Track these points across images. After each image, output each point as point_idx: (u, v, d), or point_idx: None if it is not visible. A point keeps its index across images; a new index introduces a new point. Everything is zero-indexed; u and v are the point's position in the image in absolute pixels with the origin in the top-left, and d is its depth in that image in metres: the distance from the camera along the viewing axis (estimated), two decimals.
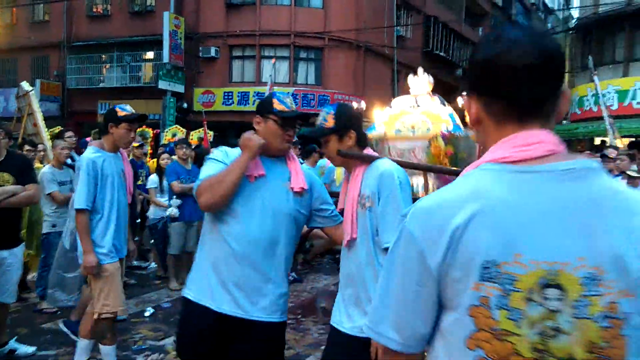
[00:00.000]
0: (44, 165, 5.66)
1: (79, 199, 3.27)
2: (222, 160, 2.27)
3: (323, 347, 3.29)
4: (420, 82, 4.60)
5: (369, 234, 2.16)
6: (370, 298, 2.08)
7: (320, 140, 2.38)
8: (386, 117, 4.58)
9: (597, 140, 17.78)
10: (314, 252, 2.71)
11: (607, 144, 10.91)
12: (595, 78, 10.04)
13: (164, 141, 13.48)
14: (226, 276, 2.19)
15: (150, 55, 20.37)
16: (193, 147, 8.65)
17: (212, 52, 18.69)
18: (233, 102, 18.44)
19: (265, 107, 2.32)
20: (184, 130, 14.21)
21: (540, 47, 0.97)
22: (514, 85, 0.97)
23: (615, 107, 17.14)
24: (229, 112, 18.25)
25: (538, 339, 0.90)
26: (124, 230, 3.56)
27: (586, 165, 0.94)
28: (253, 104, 18.22)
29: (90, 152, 3.40)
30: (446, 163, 3.94)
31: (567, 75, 18.27)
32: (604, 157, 6.91)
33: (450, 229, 0.93)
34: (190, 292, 2.29)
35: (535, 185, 0.94)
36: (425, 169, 3.53)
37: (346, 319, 2.23)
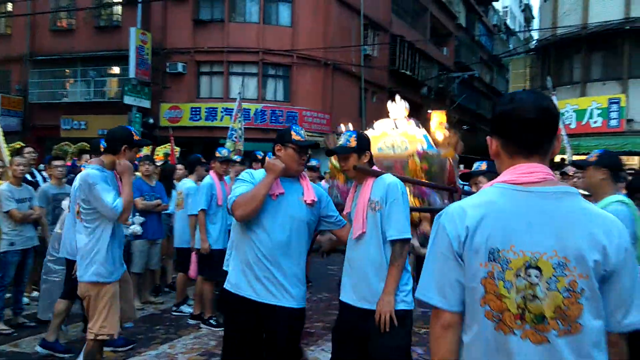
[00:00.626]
0: (2, 183, 5.50)
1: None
2: (250, 180, 2.88)
3: None
4: (398, 107, 5.41)
5: (379, 230, 2.83)
6: (369, 285, 2.81)
7: (341, 155, 3.02)
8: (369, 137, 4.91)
9: (557, 158, 18.40)
10: (322, 250, 3.45)
11: (566, 162, 11.29)
12: (554, 98, 10.41)
13: None
14: (258, 273, 2.79)
15: (115, 70, 20.13)
16: (160, 163, 8.58)
17: (180, 68, 18.59)
18: (201, 118, 18.34)
19: (285, 137, 2.91)
20: (150, 146, 14.04)
21: (540, 107, 1.44)
22: (522, 132, 1.46)
23: (573, 125, 17.78)
24: (196, 128, 18.15)
25: (521, 301, 1.40)
26: (121, 249, 3.66)
27: (565, 190, 1.45)
28: (221, 119, 18.14)
29: (97, 170, 3.47)
30: (422, 177, 4.56)
31: None
32: (564, 175, 7.17)
33: (470, 225, 1.45)
34: (231, 286, 2.90)
35: (527, 200, 1.43)
36: (418, 184, 4.32)
37: (356, 295, 2.86)
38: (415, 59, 24.90)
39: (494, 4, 40.33)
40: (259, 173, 2.94)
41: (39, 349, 4.56)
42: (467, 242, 1.45)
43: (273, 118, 18.39)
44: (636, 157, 17.31)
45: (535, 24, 37.33)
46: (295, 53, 18.69)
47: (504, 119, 1.49)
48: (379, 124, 5.40)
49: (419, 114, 27.34)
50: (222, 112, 18.21)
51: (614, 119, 17.20)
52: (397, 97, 5.63)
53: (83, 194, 3.39)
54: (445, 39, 30.53)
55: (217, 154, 5.58)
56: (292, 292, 2.82)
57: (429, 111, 28.32)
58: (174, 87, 18.87)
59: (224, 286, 2.96)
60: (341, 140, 3.07)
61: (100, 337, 3.39)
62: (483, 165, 4.15)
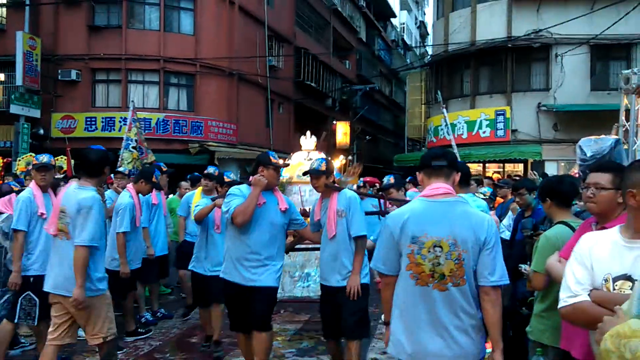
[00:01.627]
0: None
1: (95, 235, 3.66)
2: (241, 194, 3.97)
3: None
4: (309, 141, 6.92)
5: (345, 231, 4.01)
6: (344, 268, 4.00)
7: (314, 175, 4.17)
8: (289, 166, 6.56)
9: None
10: (287, 248, 4.54)
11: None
12: (444, 111, 11.08)
13: (16, 170, 12.28)
14: (246, 264, 3.96)
15: (0, 77, 18.53)
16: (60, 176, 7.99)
17: (73, 75, 17.49)
18: (97, 128, 17.37)
19: (266, 160, 4.08)
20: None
21: (442, 152, 2.70)
22: (430, 166, 2.61)
23: (465, 136, 19.04)
24: (92, 139, 17.08)
25: (431, 266, 2.44)
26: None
27: (458, 200, 2.54)
28: (119, 129, 17.30)
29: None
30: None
31: (423, 107, 19.94)
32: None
33: (401, 223, 2.49)
34: (226, 275, 4.06)
35: (434, 206, 2.50)
36: (361, 194, 5.35)
37: (333, 278, 4.05)
38: (319, 71, 25.43)
39: (392, 20, 42.30)
40: (245, 188, 4.05)
41: None
42: (400, 233, 2.51)
43: (176, 128, 17.86)
44: (521, 164, 18.90)
45: (430, 40, 39.64)
46: (198, 62, 18.33)
47: (422, 163, 2.67)
48: (296, 156, 6.81)
49: (324, 125, 27.95)
50: (120, 121, 17.35)
51: (500, 129, 18.65)
52: (308, 132, 7.00)
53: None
54: (347, 52, 31.51)
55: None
56: (270, 274, 3.98)
57: (334, 122, 28.97)
58: (67, 96, 17.73)
59: (220, 275, 4.14)
60: (314, 165, 4.22)
61: (110, 338, 3.71)
62: (392, 179, 5.61)
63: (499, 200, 6.82)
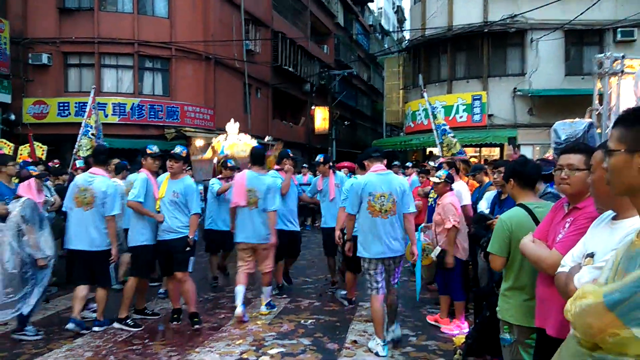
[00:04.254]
0: None
1: None
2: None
3: None
4: (233, 126, 10.07)
5: (339, 197, 6.48)
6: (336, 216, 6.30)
7: (320, 164, 7.24)
8: (227, 145, 9.55)
9: (428, 150, 19.74)
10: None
11: (435, 154, 12.10)
12: (425, 94, 11.09)
13: None
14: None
15: None
16: (26, 163, 7.82)
17: (44, 59, 17.01)
18: (70, 113, 16.97)
19: (288, 155, 7.09)
20: (12, 145, 12.74)
21: (377, 147, 5.91)
22: (373, 155, 5.15)
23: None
24: (65, 124, 16.70)
25: (379, 206, 4.85)
26: None
27: (389, 172, 5.08)
28: None
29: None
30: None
31: (401, 92, 19.98)
32: (423, 168, 8.39)
33: (362, 186, 4.90)
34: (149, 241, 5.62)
35: (379, 176, 4.94)
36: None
37: (331, 222, 6.67)
38: (297, 56, 25.22)
39: (370, 5, 42.08)
40: (275, 173, 6.62)
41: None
42: (362, 191, 4.87)
43: (152, 113, 17.57)
44: (497, 149, 19.14)
45: (407, 25, 39.62)
46: (174, 45, 18.00)
47: (369, 152, 5.20)
48: (230, 138, 9.74)
49: (302, 110, 27.82)
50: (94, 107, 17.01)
51: (477, 114, 18.83)
52: (232, 120, 10.13)
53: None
54: (325, 37, 31.30)
55: (149, 150, 5.69)
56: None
57: (312, 107, 28.87)
58: (38, 80, 17.26)
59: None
60: (318, 158, 7.33)
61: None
62: (322, 159, 7.30)
63: (474, 184, 6.84)
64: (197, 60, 18.61)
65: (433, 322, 5.65)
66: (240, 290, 5.75)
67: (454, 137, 10.12)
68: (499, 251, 2.95)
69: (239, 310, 5.66)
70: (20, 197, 5.14)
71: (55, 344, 5.00)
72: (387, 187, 4.81)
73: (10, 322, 5.51)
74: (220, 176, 7.85)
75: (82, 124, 10.11)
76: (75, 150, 9.82)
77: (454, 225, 5.28)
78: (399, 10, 52.42)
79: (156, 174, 5.79)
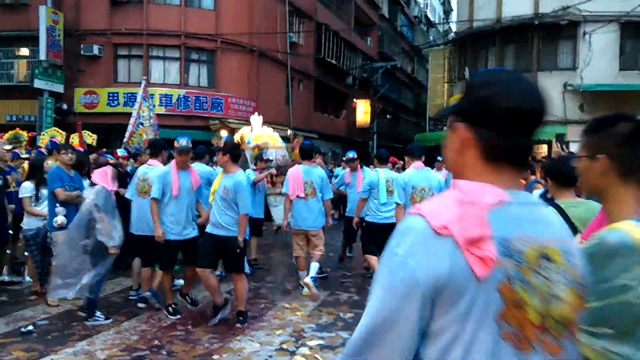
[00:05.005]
0: None
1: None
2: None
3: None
4: (258, 119, 10.23)
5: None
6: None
7: (350, 161, 8.29)
8: (252, 137, 9.70)
9: None
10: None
11: None
12: None
13: (40, 144, 12.48)
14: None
15: (24, 52, 18.72)
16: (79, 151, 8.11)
17: (95, 51, 17.58)
18: (119, 104, 17.49)
19: (319, 150, 8.17)
20: (64, 133, 13.23)
21: (419, 146, 6.57)
22: (414, 153, 6.07)
23: None
24: (114, 114, 17.24)
25: (420, 199, 5.62)
26: None
27: (427, 168, 6.10)
28: None
29: None
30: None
31: (446, 85, 19.60)
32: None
33: (406, 180, 5.81)
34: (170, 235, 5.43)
35: (418, 173, 5.83)
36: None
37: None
38: (340, 48, 25.14)
39: None
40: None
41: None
42: (406, 184, 5.71)
43: (197, 104, 17.91)
44: (544, 145, 18.56)
45: (454, 16, 38.78)
46: (219, 38, 18.26)
47: (410, 150, 6.15)
48: (255, 130, 9.96)
49: (344, 103, 27.73)
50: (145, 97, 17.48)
51: None
52: (256, 113, 10.55)
53: None
54: (369, 29, 31.03)
55: (176, 144, 5.48)
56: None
57: (354, 100, 28.77)
58: (90, 71, 17.85)
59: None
60: (350, 155, 8.21)
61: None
62: (355, 155, 8.27)
63: (521, 182, 6.67)
64: (241, 52, 18.82)
65: None
66: (303, 274, 6.47)
67: (143, 124, 10.10)
68: None
69: (313, 291, 6.03)
70: (95, 184, 5.34)
71: (102, 326, 5.18)
72: (426, 182, 5.76)
73: (61, 303, 5.76)
74: (254, 167, 8.31)
75: (134, 115, 10.36)
76: (125, 139, 10.09)
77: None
78: (445, 1, 51.43)
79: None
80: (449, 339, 0.98)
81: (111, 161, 6.54)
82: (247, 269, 7.12)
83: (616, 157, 1.47)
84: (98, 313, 5.35)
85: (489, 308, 0.98)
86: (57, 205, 5.54)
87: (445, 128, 25.39)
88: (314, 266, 6.45)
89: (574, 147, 16.99)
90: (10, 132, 10.87)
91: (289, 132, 12.08)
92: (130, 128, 10.15)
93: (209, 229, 5.37)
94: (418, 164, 5.81)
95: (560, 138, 17.02)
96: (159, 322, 5.40)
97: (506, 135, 1.07)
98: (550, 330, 1.04)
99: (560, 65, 18.31)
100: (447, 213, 1.01)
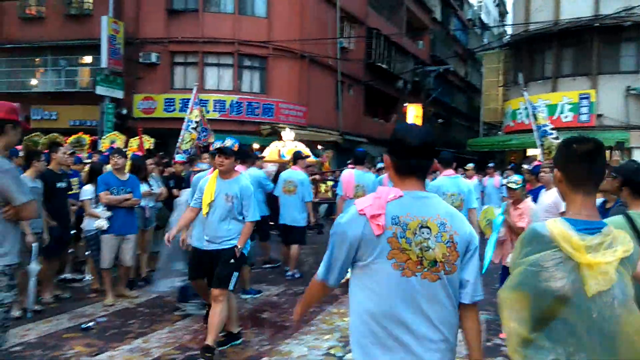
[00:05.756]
0: None
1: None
2: None
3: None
4: (289, 134, 11.54)
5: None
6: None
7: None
8: (286, 151, 10.51)
9: (530, 152, 18.73)
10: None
11: (532, 156, 11.45)
12: (525, 94, 10.52)
13: (101, 148, 13.05)
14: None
15: (87, 59, 19.69)
16: (136, 155, 8.43)
17: (153, 58, 18.28)
18: (175, 109, 18.08)
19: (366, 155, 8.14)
20: (123, 137, 13.79)
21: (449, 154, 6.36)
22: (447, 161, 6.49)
23: None
24: (170, 119, 17.83)
25: (450, 203, 4.88)
26: None
27: (457, 176, 6.48)
28: None
29: None
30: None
31: (500, 89, 19.08)
32: (519, 169, 7.77)
33: (437, 187, 6.09)
34: (192, 244, 4.75)
35: (449, 180, 6.16)
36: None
37: None
38: (391, 52, 24.99)
39: None
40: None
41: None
42: (437, 190, 5.77)
43: (249, 110, 18.27)
44: (606, 151, 17.77)
45: (509, 18, 37.77)
46: (271, 44, 18.56)
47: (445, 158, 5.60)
48: (288, 145, 11.11)
49: (394, 107, 27.53)
50: (197, 104, 17.99)
51: (584, 114, 17.59)
52: (287, 129, 12.02)
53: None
54: (421, 32, 30.70)
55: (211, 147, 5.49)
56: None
57: (405, 104, 28.35)
58: (148, 78, 18.56)
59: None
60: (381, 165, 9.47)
61: None
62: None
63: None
64: (292, 58, 19.05)
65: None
66: None
67: (556, 138, 9.46)
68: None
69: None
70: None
71: (157, 325, 5.36)
72: (456, 188, 6.05)
73: (118, 301, 6.00)
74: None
75: (185, 119, 10.67)
76: (178, 143, 10.40)
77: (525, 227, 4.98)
78: (500, 3, 50.23)
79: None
80: (365, 265, 1.93)
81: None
82: (297, 273, 7.46)
83: (564, 171, 1.92)
84: (193, 301, 5.74)
85: (384, 251, 1.89)
86: (103, 208, 5.80)
87: (499, 133, 24.77)
88: None
89: (637, 154, 16.20)
90: (73, 137, 11.43)
91: (319, 147, 12.94)
92: (182, 133, 10.43)
93: (197, 244, 4.68)
94: (449, 171, 6.28)
95: (620, 145, 16.19)
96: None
97: (404, 160, 1.98)
98: (426, 266, 1.89)
99: (622, 68, 17.53)
100: (366, 203, 1.93)
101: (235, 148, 4.53)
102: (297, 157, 8.16)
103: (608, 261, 1.72)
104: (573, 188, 1.89)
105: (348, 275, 5.57)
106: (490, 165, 12.51)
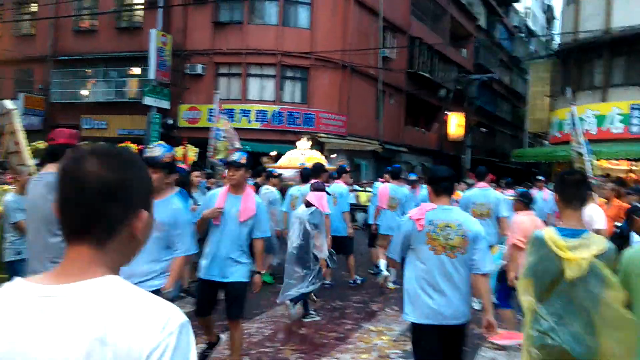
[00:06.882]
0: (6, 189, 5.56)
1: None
2: None
3: None
4: (307, 144, 12.05)
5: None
6: None
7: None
8: (304, 159, 11.01)
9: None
10: None
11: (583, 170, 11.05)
12: (574, 109, 10.14)
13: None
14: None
15: (136, 71, 20.38)
16: (182, 170, 8.63)
17: (199, 69, 18.75)
18: (230, 119, 18.43)
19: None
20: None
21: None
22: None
23: (594, 131, 17.51)
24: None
25: (479, 212, 6.60)
26: None
27: (488, 188, 7.27)
28: (239, 120, 18.28)
29: None
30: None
31: (547, 99, 18.62)
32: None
33: (469, 197, 7.04)
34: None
35: (480, 191, 7.04)
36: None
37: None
38: (433, 61, 24.76)
39: (515, 4, 39.85)
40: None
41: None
42: (468, 200, 6.88)
43: (290, 120, 18.45)
44: None
45: (557, 25, 36.78)
46: (313, 55, 18.72)
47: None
48: (306, 153, 11.75)
49: (436, 116, 27.22)
50: (239, 113, 18.34)
51: (636, 125, 16.92)
52: (304, 139, 12.52)
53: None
54: (465, 40, 30.28)
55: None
56: (238, 271, 4.25)
57: (446, 113, 28.02)
58: (193, 89, 19.04)
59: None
60: (411, 177, 10.38)
61: None
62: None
63: (623, 206, 6.14)
64: (334, 68, 19.15)
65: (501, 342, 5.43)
66: (389, 272, 7.69)
67: (225, 138, 10.28)
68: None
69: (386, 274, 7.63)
70: (312, 205, 6.10)
71: (198, 338, 5.46)
72: (484, 199, 6.78)
73: None
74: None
75: (213, 129, 10.83)
76: (210, 154, 10.56)
77: (514, 244, 5.18)
78: (548, 10, 48.98)
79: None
80: (413, 248, 3.30)
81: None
82: (358, 279, 8.19)
83: (560, 194, 2.75)
84: (312, 312, 6.32)
85: (423, 239, 3.25)
86: None
87: (546, 143, 24.11)
88: (382, 263, 7.67)
89: None
90: (120, 146, 11.82)
91: (333, 155, 13.32)
92: (212, 142, 10.59)
93: (205, 274, 4.27)
94: (482, 184, 7.12)
95: None
96: (249, 337, 5.61)
97: (436, 185, 3.39)
98: (448, 248, 3.23)
99: None
100: (414, 212, 3.37)
101: (243, 160, 4.13)
102: (342, 171, 8.65)
103: (583, 257, 2.47)
104: (565, 205, 2.71)
105: (385, 278, 7.19)
106: (540, 178, 12.17)
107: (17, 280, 1.02)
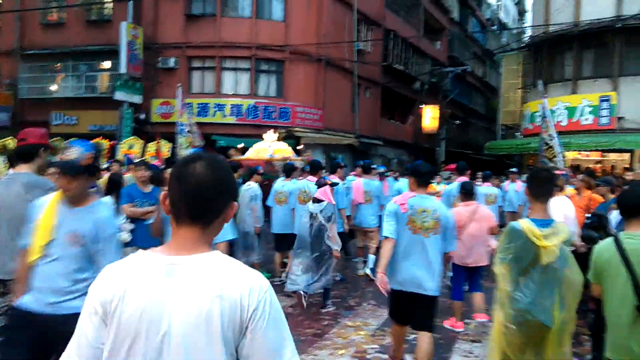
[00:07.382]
0: None
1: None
2: None
3: None
4: (272, 135, 12.18)
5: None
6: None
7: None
8: (273, 150, 11.57)
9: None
10: None
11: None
12: (545, 101, 10.32)
13: (120, 153, 13.23)
14: None
15: (107, 65, 19.93)
16: (155, 167, 8.50)
17: (171, 63, 18.44)
18: (192, 114, 18.18)
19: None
20: (141, 142, 13.95)
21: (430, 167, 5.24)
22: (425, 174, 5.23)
23: (564, 123, 17.86)
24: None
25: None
26: None
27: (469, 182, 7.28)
28: (213, 115, 18.09)
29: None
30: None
31: (519, 91, 18.97)
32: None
33: (450, 190, 7.89)
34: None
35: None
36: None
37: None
38: (408, 54, 24.86)
39: None
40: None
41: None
42: (449, 193, 7.86)
43: (265, 114, 18.32)
44: (626, 154, 17.47)
45: (529, 17, 37.30)
46: (288, 48, 18.59)
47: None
48: (272, 144, 11.90)
49: (411, 109, 27.37)
50: (214, 107, 18.14)
51: (604, 116, 17.30)
52: (271, 131, 12.50)
53: None
54: (439, 33, 30.45)
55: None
56: None
57: (421, 106, 28.22)
58: (166, 83, 18.71)
59: None
60: (380, 169, 10.83)
61: None
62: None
63: (596, 199, 6.26)
64: (309, 61, 19.06)
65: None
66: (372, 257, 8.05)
67: (190, 132, 10.69)
68: (591, 277, 2.94)
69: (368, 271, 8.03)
70: (322, 200, 6.33)
71: None
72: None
73: None
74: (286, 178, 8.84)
75: (177, 123, 10.73)
76: (177, 149, 10.49)
77: None
78: (520, 2, 49.62)
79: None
80: (398, 227, 4.14)
81: (328, 182, 7.00)
82: (337, 276, 8.13)
83: (529, 188, 3.26)
84: (329, 302, 6.63)
85: (405, 220, 4.14)
86: (126, 221, 5.84)
87: (518, 134, 24.48)
88: (371, 258, 8.06)
89: None
90: (92, 142, 11.60)
91: (300, 147, 13.33)
92: (177, 137, 10.55)
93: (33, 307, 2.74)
94: (463, 178, 7.40)
95: None
96: None
97: (417, 178, 4.25)
98: (424, 229, 4.12)
99: None
100: (399, 199, 4.27)
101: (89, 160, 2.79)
102: (336, 166, 8.99)
103: (554, 244, 2.98)
104: (534, 199, 3.19)
105: (363, 272, 7.93)
106: (514, 170, 12.38)
107: (140, 251, 1.38)
